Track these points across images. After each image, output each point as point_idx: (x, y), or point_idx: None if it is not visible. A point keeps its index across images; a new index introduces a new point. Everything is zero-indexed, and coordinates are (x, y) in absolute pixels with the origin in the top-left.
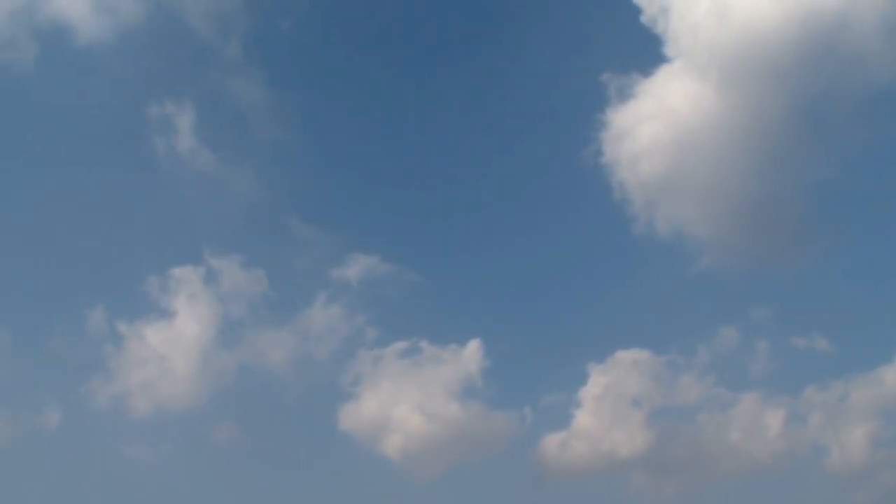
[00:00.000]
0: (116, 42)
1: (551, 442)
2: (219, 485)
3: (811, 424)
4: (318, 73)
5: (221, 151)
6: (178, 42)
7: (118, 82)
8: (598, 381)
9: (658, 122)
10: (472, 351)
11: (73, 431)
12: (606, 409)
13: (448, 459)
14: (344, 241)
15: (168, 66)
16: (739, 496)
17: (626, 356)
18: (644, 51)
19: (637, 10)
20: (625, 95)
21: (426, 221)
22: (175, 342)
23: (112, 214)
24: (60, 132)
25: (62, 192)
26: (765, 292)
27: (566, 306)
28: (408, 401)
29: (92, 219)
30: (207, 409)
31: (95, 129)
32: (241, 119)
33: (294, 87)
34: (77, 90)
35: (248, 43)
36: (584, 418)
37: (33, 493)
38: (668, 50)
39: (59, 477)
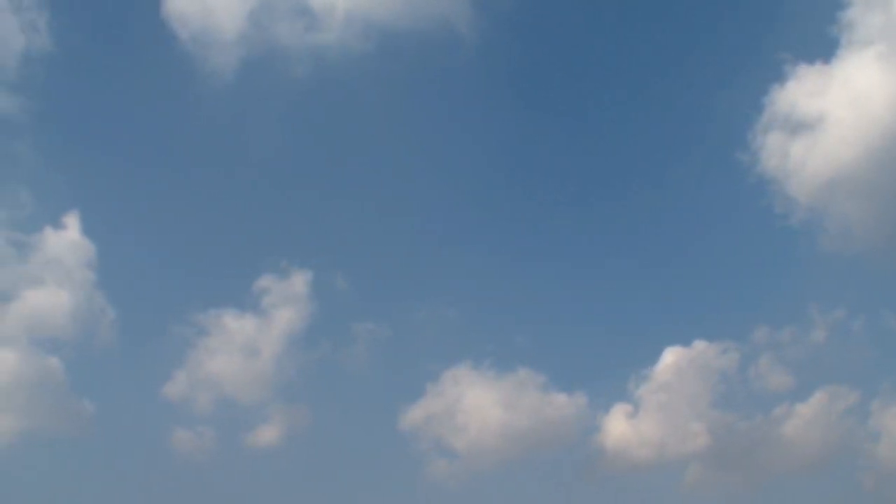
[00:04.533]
0: None
1: (613, 430)
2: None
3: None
4: None
5: None
6: None
7: None
8: (666, 369)
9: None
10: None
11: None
12: (672, 401)
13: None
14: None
15: None
16: (805, 491)
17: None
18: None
19: None
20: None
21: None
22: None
23: None
24: None
25: None
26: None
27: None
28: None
29: None
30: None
31: None
32: None
33: None
34: None
35: None
36: (647, 410)
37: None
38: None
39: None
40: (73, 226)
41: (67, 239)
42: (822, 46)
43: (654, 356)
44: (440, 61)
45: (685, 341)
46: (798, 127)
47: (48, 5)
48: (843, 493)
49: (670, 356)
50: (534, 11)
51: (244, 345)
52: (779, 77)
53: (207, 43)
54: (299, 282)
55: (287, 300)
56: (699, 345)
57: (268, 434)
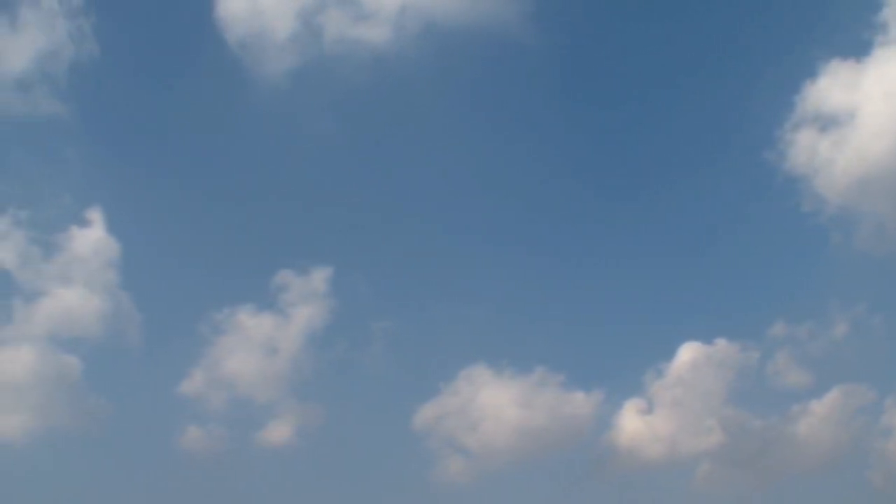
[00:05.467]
0: None
1: (627, 427)
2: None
3: None
4: None
5: None
6: None
7: None
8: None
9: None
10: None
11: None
12: (686, 399)
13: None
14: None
15: None
16: (816, 490)
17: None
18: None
19: None
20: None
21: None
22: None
23: None
24: None
25: None
26: None
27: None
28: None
29: None
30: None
31: None
32: None
33: None
34: None
35: None
36: (662, 407)
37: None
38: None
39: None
40: (98, 224)
41: (92, 237)
42: (855, 43)
43: (671, 353)
44: (489, 59)
45: (702, 337)
46: (829, 124)
47: (95, 11)
48: (853, 492)
49: (687, 352)
50: (573, 9)
51: (261, 342)
52: (811, 73)
53: (257, 43)
54: (318, 279)
55: (306, 298)
56: (716, 341)
57: (281, 432)
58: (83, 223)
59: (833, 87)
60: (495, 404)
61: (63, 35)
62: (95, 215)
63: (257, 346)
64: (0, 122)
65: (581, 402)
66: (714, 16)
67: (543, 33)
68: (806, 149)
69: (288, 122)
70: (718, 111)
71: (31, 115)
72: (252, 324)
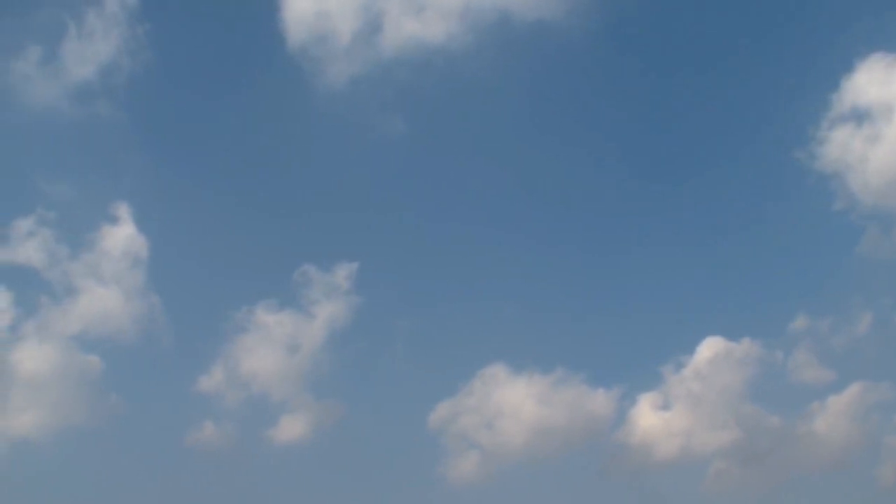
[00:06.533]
0: None
1: (644, 424)
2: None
3: None
4: None
5: None
6: None
7: None
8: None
9: None
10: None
11: None
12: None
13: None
14: None
15: None
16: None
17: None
18: None
19: None
20: None
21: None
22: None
23: None
24: None
25: None
26: None
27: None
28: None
29: None
30: None
31: None
32: None
33: None
34: None
35: None
36: (679, 403)
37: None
38: None
39: None
40: (126, 221)
41: (121, 235)
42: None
43: (689, 348)
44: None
45: (724, 332)
46: (864, 119)
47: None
48: (861, 489)
49: (707, 348)
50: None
51: (282, 339)
52: (848, 69)
53: (319, 45)
54: (341, 276)
55: (327, 295)
56: (737, 336)
57: (297, 428)
58: (112, 220)
59: (870, 81)
60: (512, 402)
61: (122, 39)
62: (123, 212)
63: (278, 342)
64: (58, 124)
65: (598, 400)
66: (754, 10)
67: (587, 20)
68: (840, 145)
69: (334, 120)
70: (753, 105)
71: (85, 116)
72: (274, 320)
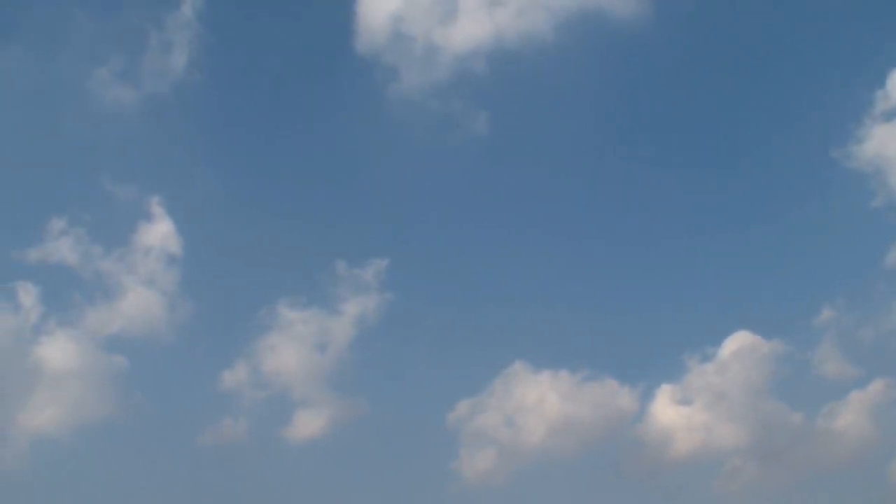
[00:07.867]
0: None
1: (664, 420)
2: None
3: None
4: None
5: None
6: None
7: None
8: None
9: None
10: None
11: None
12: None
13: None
14: None
15: None
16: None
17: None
18: None
19: None
20: None
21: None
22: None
23: None
24: None
25: None
26: None
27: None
28: None
29: None
30: None
31: None
32: None
33: None
34: None
35: None
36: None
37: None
38: None
39: None
40: (160, 219)
41: (156, 233)
42: None
43: (717, 341)
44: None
45: (753, 328)
46: None
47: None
48: (877, 487)
49: (733, 342)
50: None
51: (310, 335)
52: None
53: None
54: (371, 273)
55: (356, 292)
56: (763, 331)
57: (317, 426)
58: (148, 218)
59: None
60: (533, 400)
61: (192, 42)
62: (158, 210)
63: (305, 338)
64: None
65: (625, 396)
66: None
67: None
68: (881, 142)
69: (374, 121)
70: (796, 101)
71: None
72: (301, 317)
